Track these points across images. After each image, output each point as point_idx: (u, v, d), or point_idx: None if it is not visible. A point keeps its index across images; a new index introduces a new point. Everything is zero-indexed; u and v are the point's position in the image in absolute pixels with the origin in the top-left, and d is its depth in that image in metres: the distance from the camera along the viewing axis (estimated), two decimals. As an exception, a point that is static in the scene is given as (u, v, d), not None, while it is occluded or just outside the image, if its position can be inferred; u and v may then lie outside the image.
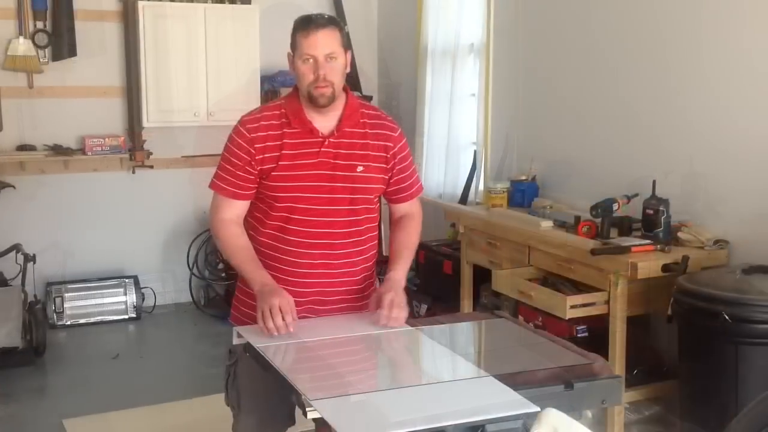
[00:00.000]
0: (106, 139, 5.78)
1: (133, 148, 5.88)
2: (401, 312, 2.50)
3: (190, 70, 5.73)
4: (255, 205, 2.65)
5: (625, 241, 3.82)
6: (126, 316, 5.87)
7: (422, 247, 5.55)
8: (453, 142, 5.65)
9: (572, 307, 3.76)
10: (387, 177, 2.68)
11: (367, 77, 6.54)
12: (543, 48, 4.93)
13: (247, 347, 2.40)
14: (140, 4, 5.59)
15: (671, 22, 4.06)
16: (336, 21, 2.59)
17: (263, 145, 2.55)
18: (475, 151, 5.48)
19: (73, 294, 5.77)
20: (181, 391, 4.56)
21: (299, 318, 2.45)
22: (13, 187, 5.57)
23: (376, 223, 2.72)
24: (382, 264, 2.76)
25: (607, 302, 3.76)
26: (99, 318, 5.80)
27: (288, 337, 2.38)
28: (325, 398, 1.96)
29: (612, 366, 3.50)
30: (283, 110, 2.60)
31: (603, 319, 3.82)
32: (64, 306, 5.71)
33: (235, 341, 2.48)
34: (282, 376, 2.12)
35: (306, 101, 2.56)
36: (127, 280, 5.93)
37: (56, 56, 5.68)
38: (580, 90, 4.65)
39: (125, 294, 5.90)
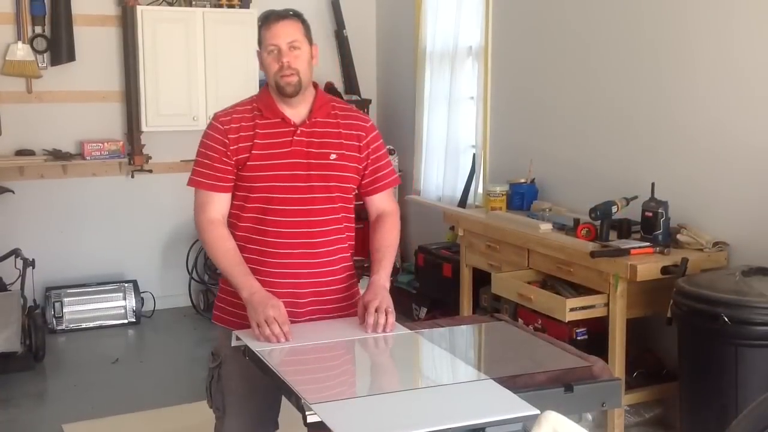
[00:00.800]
0: (105, 144, 5.77)
1: (132, 152, 5.87)
2: (390, 317, 2.50)
3: (188, 74, 5.73)
4: (231, 201, 2.65)
5: (625, 244, 3.82)
6: (125, 321, 5.85)
7: (421, 250, 5.56)
8: (452, 145, 5.65)
9: (572, 309, 3.77)
10: (361, 167, 2.69)
11: (365, 80, 6.54)
12: (541, 50, 4.93)
13: (247, 351, 2.39)
14: (139, 9, 5.60)
15: (669, 26, 4.07)
16: (298, 13, 2.64)
17: (237, 135, 2.59)
18: (474, 154, 5.48)
19: (72, 299, 5.75)
20: (180, 395, 4.55)
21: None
22: (12, 192, 5.56)
23: (353, 215, 2.73)
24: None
25: (607, 305, 3.77)
26: (98, 323, 5.79)
27: (286, 341, 2.39)
28: (324, 402, 1.96)
29: (612, 368, 3.49)
30: (254, 104, 2.65)
31: (603, 322, 3.83)
32: (64, 311, 5.69)
33: (234, 344, 2.48)
34: (281, 379, 2.12)
35: (275, 93, 2.61)
36: (126, 285, 5.91)
37: (55, 61, 5.68)
38: (579, 92, 4.65)
39: (124, 298, 5.88)
